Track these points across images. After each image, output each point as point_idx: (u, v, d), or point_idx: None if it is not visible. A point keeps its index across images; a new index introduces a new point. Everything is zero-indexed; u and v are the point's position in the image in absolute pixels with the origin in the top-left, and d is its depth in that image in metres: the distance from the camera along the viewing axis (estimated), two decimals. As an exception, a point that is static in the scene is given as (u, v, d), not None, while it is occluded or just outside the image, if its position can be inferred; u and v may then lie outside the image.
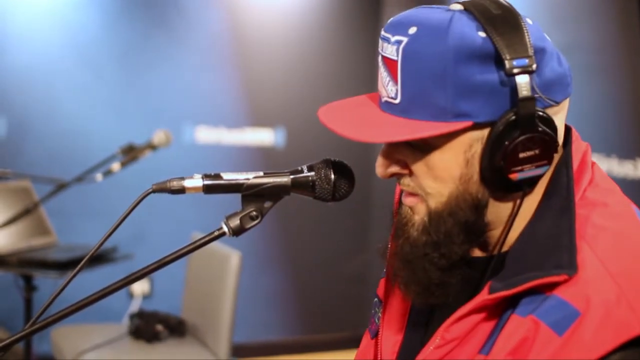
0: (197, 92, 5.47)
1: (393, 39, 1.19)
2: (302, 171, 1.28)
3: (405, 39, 1.17)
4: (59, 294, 1.28)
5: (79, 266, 1.28)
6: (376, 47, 1.36)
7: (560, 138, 1.22)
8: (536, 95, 1.14)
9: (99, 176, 3.77)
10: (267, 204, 1.28)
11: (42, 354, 4.70)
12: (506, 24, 1.14)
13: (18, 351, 4.21)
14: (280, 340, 5.80)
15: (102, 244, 1.27)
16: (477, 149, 1.17)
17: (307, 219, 5.65)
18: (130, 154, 3.79)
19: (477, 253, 1.28)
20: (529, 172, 1.17)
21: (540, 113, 1.15)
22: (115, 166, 3.76)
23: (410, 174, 1.22)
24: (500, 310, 1.18)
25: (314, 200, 1.30)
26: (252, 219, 1.27)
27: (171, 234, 5.00)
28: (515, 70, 1.12)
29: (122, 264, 4.08)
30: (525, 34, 1.14)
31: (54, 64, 5.08)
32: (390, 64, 1.19)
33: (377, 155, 1.26)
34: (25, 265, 3.79)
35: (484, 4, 1.17)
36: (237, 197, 1.27)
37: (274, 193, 1.27)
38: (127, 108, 5.26)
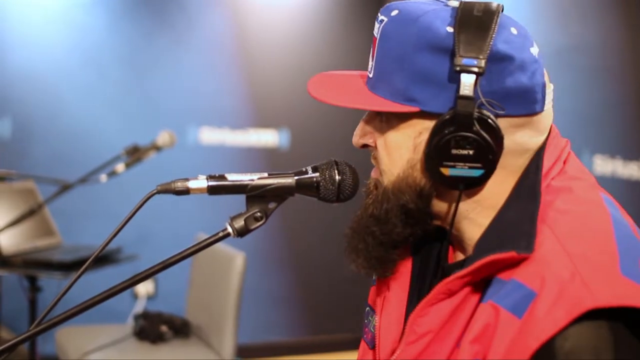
0: (201, 93, 5.47)
1: (380, 17, 1.26)
2: (306, 172, 1.29)
3: (386, 19, 1.24)
4: (63, 294, 1.28)
5: (84, 267, 1.28)
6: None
7: (523, 152, 1.23)
8: (480, 99, 1.16)
9: (103, 177, 3.77)
10: (271, 205, 1.29)
11: (47, 354, 4.71)
12: (475, 25, 1.17)
13: (23, 352, 4.22)
14: (284, 341, 5.80)
15: (106, 245, 1.27)
16: (425, 137, 1.21)
17: (311, 219, 5.65)
18: (135, 155, 3.79)
19: (460, 257, 1.31)
20: (461, 170, 1.19)
21: (480, 115, 1.16)
22: (120, 167, 3.76)
23: (374, 148, 1.28)
24: (474, 302, 1.19)
25: (318, 201, 1.31)
26: (257, 219, 1.27)
27: (175, 235, 5.01)
28: (460, 68, 1.14)
29: (126, 265, 4.09)
30: (489, 37, 1.16)
31: (59, 65, 5.09)
32: (373, 41, 1.27)
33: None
34: (30, 266, 3.79)
35: (473, 5, 1.20)
36: (243, 198, 1.28)
37: (279, 194, 1.28)
38: (131, 109, 5.26)
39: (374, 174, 1.30)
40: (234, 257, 3.95)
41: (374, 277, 1.42)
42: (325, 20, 5.80)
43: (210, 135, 5.50)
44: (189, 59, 5.42)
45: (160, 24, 5.36)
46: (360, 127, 1.30)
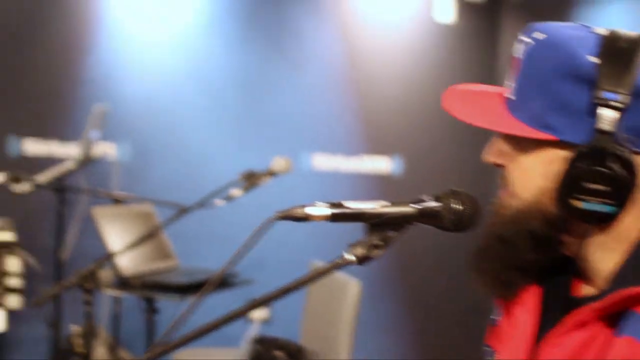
0: (314, 119, 5.51)
1: (524, 39, 1.25)
2: (427, 201, 1.28)
3: (532, 42, 1.23)
4: (180, 320, 1.29)
5: (202, 292, 1.30)
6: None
7: None
8: (619, 134, 1.13)
9: (219, 201, 3.82)
10: (391, 234, 1.28)
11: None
12: (621, 58, 1.15)
13: (139, 373, 4.29)
14: (395, 369, 5.76)
15: (225, 271, 1.28)
16: (558, 166, 1.19)
17: (426, 247, 5.60)
18: (251, 180, 3.82)
19: (586, 288, 1.28)
20: (594, 205, 1.17)
21: (617, 151, 1.14)
22: (236, 192, 3.80)
23: (505, 168, 1.28)
24: (606, 336, 1.16)
25: (432, 228, 1.29)
26: (377, 248, 1.26)
27: (289, 261, 5.03)
28: (603, 102, 1.13)
29: (240, 289, 4.12)
30: (634, 71, 1.13)
31: (176, 90, 5.21)
32: (515, 62, 1.26)
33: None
34: (147, 288, 3.86)
35: (620, 36, 1.18)
36: (355, 226, 1.27)
37: (399, 223, 1.27)
38: (246, 134, 5.33)
39: (502, 194, 1.30)
40: (349, 285, 3.94)
41: (492, 316, 1.40)
42: (439, 44, 5.77)
43: (323, 162, 5.53)
44: (303, 85, 5.46)
45: (274, 49, 5.43)
46: (494, 145, 1.29)
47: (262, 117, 5.39)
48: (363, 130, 5.64)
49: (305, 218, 1.26)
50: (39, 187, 4.29)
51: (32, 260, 3.64)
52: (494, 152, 1.29)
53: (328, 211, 1.26)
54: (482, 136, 1.36)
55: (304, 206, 1.26)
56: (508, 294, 1.31)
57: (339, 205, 1.27)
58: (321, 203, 1.27)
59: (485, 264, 1.28)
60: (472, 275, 1.31)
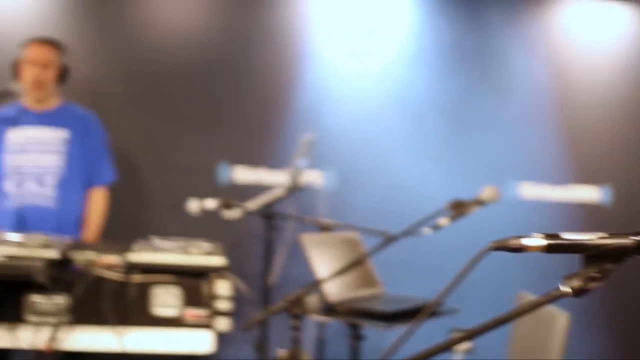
0: (520, 148, 5.43)
1: None
2: None
3: None
4: (393, 348, 1.31)
5: (416, 321, 1.31)
6: None
7: None
8: None
9: (426, 230, 3.82)
10: (609, 266, 1.25)
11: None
12: None
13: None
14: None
15: (441, 299, 1.29)
16: None
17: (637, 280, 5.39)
18: (458, 209, 3.80)
19: None
20: None
21: None
22: (443, 221, 3.78)
23: None
24: None
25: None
26: (594, 280, 1.24)
27: (495, 291, 4.96)
28: None
29: (444, 318, 4.10)
30: None
31: (381, 120, 5.27)
32: None
33: None
34: (353, 314, 3.90)
35: None
36: (560, 258, 1.25)
37: (617, 255, 1.24)
38: (451, 163, 5.32)
39: None
40: (557, 316, 3.84)
41: None
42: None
43: (530, 190, 5.43)
44: (510, 113, 5.40)
45: (480, 79, 5.39)
46: None
47: (466, 146, 5.37)
48: (571, 159, 5.50)
49: (521, 249, 1.25)
50: (248, 213, 4.45)
51: (241, 285, 3.76)
52: None
53: (544, 242, 1.25)
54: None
55: (520, 237, 1.25)
56: None
57: (555, 237, 1.25)
58: (537, 234, 1.26)
59: None
60: None
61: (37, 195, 4.47)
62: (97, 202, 4.66)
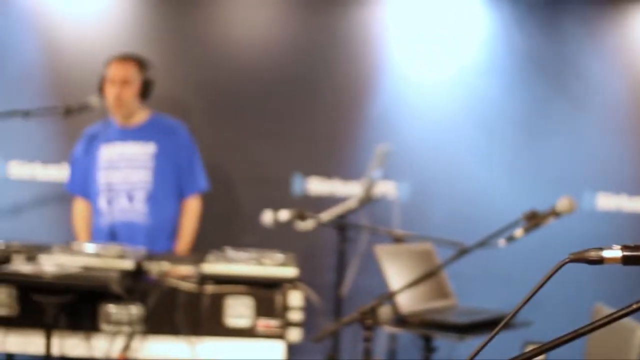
0: (597, 158, 5.35)
1: None
2: None
3: None
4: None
5: (492, 335, 1.29)
6: None
7: None
8: None
9: (502, 241, 3.77)
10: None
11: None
12: None
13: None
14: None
15: (517, 311, 1.27)
16: None
17: None
18: (533, 220, 3.75)
19: None
20: None
21: None
22: (519, 232, 3.73)
23: None
24: None
25: None
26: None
27: (569, 303, 4.88)
28: None
29: (518, 330, 4.05)
30: None
31: (455, 131, 5.24)
32: None
33: None
34: (425, 326, 3.87)
35: None
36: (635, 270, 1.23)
37: None
38: (526, 173, 5.27)
39: None
40: (634, 330, 3.77)
41: None
42: None
43: (606, 201, 5.34)
44: (586, 123, 5.33)
45: (555, 89, 5.33)
46: None
47: (541, 156, 5.30)
48: (648, 169, 5.41)
49: (600, 261, 1.23)
50: (322, 224, 4.45)
51: (313, 295, 3.76)
52: None
53: (621, 253, 1.23)
54: None
55: (599, 249, 1.23)
56: None
57: (636, 248, 1.23)
58: (616, 245, 1.23)
59: None
60: None
61: (127, 211, 4.52)
62: (190, 212, 4.67)
